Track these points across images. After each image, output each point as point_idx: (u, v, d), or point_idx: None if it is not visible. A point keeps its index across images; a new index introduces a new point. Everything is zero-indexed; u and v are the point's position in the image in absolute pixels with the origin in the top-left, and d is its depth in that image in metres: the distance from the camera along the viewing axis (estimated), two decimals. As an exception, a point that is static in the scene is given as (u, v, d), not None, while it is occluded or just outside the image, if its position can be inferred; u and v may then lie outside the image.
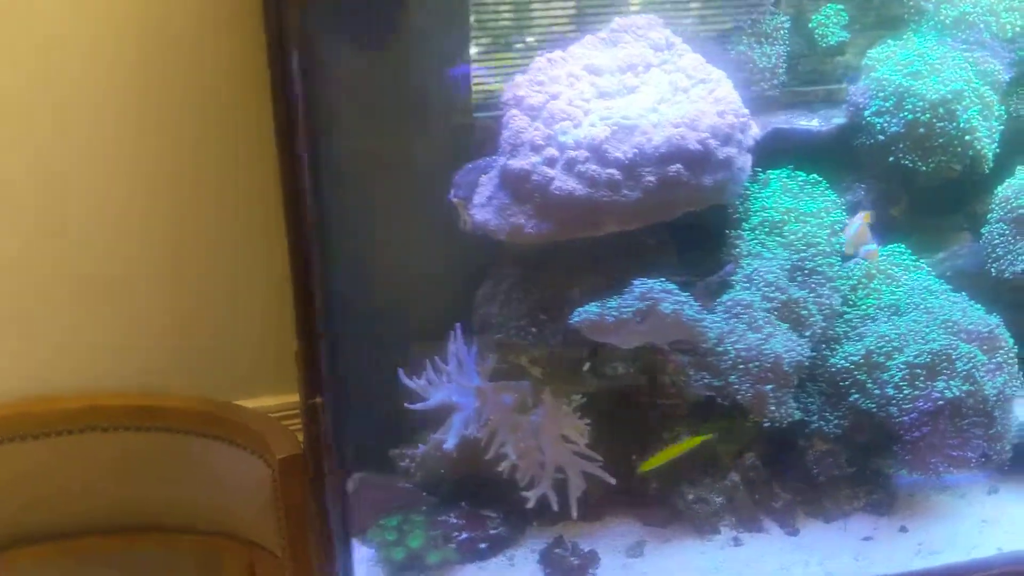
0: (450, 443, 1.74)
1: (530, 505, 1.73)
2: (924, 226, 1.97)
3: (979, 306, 1.78)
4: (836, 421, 1.68)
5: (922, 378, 1.62)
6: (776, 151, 1.80)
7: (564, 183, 1.47)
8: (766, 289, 1.57)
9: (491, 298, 1.70)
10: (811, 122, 1.81)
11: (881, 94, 1.76)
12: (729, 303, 1.55)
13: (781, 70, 1.87)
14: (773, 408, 1.51)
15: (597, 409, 1.76)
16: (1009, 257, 1.80)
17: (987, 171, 1.84)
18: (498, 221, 1.55)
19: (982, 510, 1.82)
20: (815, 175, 1.79)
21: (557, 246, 1.59)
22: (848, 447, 1.75)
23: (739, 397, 1.50)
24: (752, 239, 1.68)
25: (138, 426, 1.81)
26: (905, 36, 1.83)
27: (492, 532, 1.80)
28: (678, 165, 1.47)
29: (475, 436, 1.73)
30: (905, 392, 1.61)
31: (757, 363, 1.49)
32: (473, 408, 1.75)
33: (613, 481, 1.72)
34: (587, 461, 1.74)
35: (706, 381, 1.51)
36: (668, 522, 1.81)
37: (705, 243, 1.75)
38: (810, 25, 1.87)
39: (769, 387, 1.49)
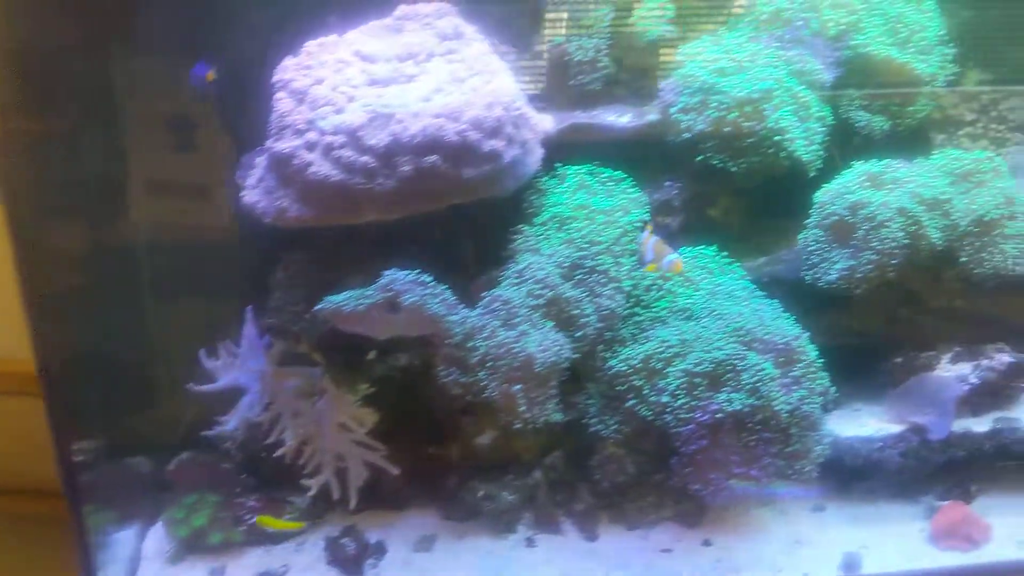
0: (231, 425, 1.74)
1: (311, 493, 1.73)
2: (760, 228, 1.92)
3: (788, 315, 1.73)
4: (616, 426, 1.64)
5: (702, 388, 1.57)
6: (586, 146, 1.76)
7: (320, 168, 1.45)
8: (534, 286, 1.53)
9: (279, 283, 1.69)
10: (621, 118, 1.76)
11: (687, 91, 1.70)
12: (488, 299, 1.52)
13: (603, 63, 1.83)
14: (524, 408, 1.47)
15: (390, 400, 1.75)
16: (824, 265, 1.74)
17: (813, 173, 1.79)
18: (265, 203, 1.53)
19: (799, 529, 1.76)
20: (619, 172, 1.75)
21: (350, 231, 1.58)
22: (641, 453, 1.71)
23: (487, 395, 1.47)
24: (538, 234, 1.64)
25: None
26: (719, 32, 1.77)
27: (287, 517, 1.80)
28: (435, 156, 1.44)
29: (258, 419, 1.74)
30: (681, 401, 1.57)
31: (507, 361, 1.45)
32: (258, 392, 1.75)
33: (396, 471, 1.72)
34: (369, 450, 1.74)
35: (454, 377, 1.48)
36: (469, 518, 1.79)
37: (502, 237, 1.72)
38: (631, 19, 1.82)
39: (518, 387, 1.46)
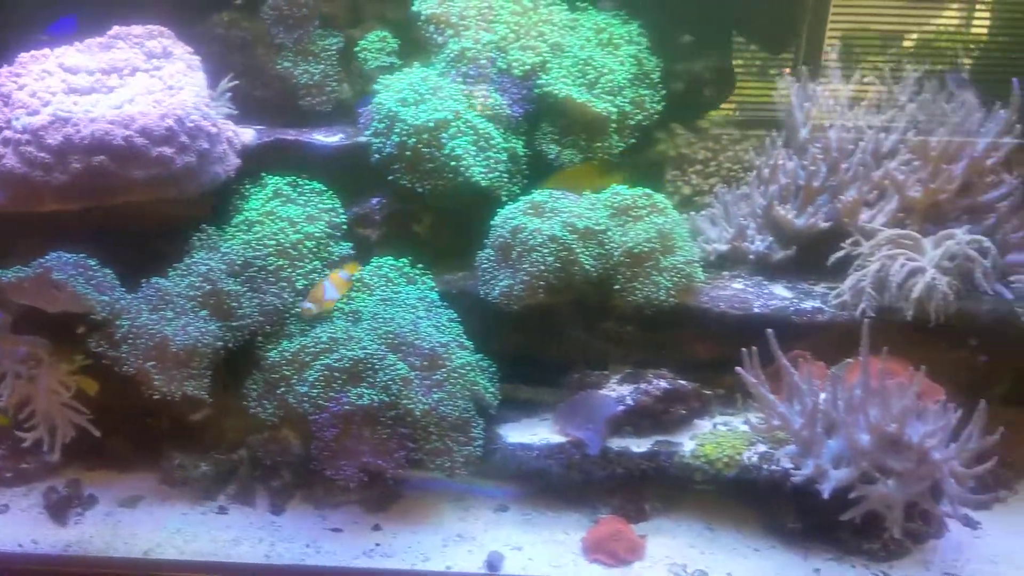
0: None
1: (25, 445, 1.96)
2: (461, 245, 2.02)
3: (454, 326, 1.88)
4: (272, 410, 1.82)
5: (339, 382, 1.74)
6: (298, 160, 1.96)
7: (9, 161, 1.69)
8: (195, 279, 1.74)
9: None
10: (330, 137, 1.95)
11: (377, 116, 1.89)
12: (146, 286, 1.73)
13: (332, 87, 2.02)
14: (159, 382, 1.68)
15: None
16: (493, 282, 1.89)
17: (505, 199, 1.94)
18: (-23, 189, 1.79)
19: (472, 526, 1.88)
20: (320, 185, 1.94)
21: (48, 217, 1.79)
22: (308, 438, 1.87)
23: (126, 368, 1.68)
24: (222, 234, 1.85)
25: None
26: (414, 65, 1.95)
27: (23, 466, 2.03)
28: (102, 156, 1.67)
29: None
30: (317, 391, 1.74)
31: (143, 340, 1.66)
32: (-9, 354, 2.00)
33: (98, 434, 1.93)
34: (76, 413, 1.97)
35: (102, 350, 1.69)
36: (180, 484, 1.99)
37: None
38: (355, 49, 2.02)
39: (152, 363, 1.66)
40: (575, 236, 1.81)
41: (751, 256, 2.04)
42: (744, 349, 1.73)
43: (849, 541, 1.77)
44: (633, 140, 2.03)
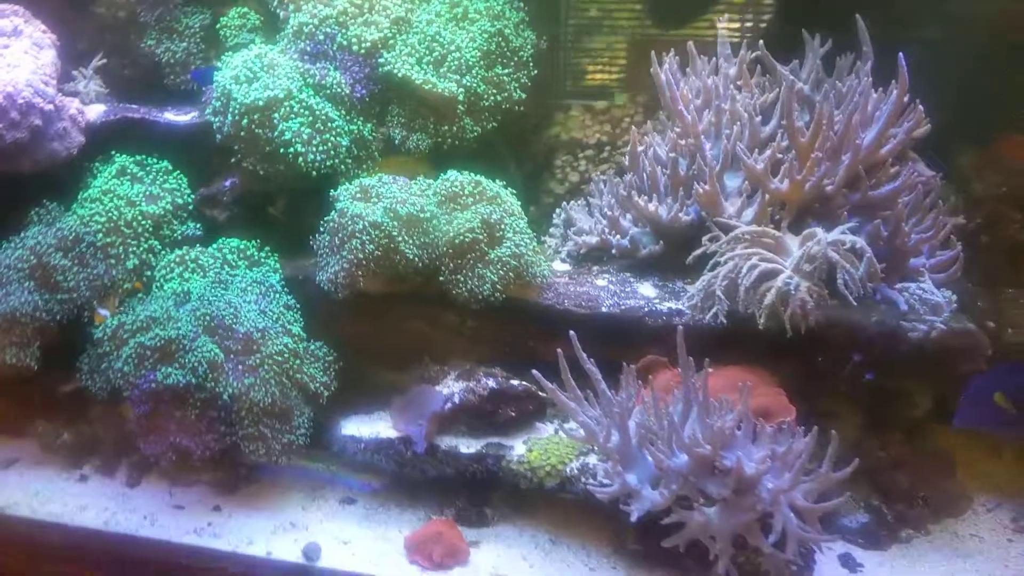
0: None
1: None
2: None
3: (283, 312, 1.83)
4: (101, 384, 1.83)
5: (150, 360, 1.73)
6: (151, 138, 1.96)
7: None
8: (22, 252, 1.77)
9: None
10: (181, 116, 1.93)
11: (216, 94, 1.85)
12: (18, 246, 1.79)
13: (196, 65, 2.01)
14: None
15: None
16: (325, 268, 1.82)
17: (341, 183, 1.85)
18: None
19: (312, 516, 1.84)
20: (167, 164, 1.93)
21: None
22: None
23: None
24: (57, 211, 1.87)
25: None
26: (255, 41, 1.89)
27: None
28: (-67, 129, 1.73)
29: None
30: (130, 369, 1.74)
31: (-35, 309, 1.72)
32: None
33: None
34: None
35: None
36: (56, 452, 2.06)
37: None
38: (216, 26, 1.99)
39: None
40: (397, 223, 1.72)
41: (613, 251, 1.88)
42: (559, 350, 1.60)
43: (693, 570, 1.60)
44: (493, 124, 1.90)
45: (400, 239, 1.71)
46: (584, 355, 1.57)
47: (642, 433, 1.59)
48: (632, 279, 1.89)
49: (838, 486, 1.53)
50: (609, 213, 1.88)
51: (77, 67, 1.98)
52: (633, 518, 1.58)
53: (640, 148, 1.82)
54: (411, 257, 1.73)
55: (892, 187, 1.70)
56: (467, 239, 1.71)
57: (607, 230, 1.90)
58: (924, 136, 1.79)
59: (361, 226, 1.72)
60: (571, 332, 1.56)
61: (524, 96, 1.94)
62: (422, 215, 1.73)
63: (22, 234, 1.82)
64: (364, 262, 1.72)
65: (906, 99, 1.66)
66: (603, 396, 1.59)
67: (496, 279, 1.72)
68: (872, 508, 1.80)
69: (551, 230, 2.02)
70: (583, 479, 1.67)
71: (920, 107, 1.71)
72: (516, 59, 1.91)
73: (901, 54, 1.59)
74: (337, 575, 1.71)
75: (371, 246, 1.71)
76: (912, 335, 1.66)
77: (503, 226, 1.72)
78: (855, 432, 1.84)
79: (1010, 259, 1.96)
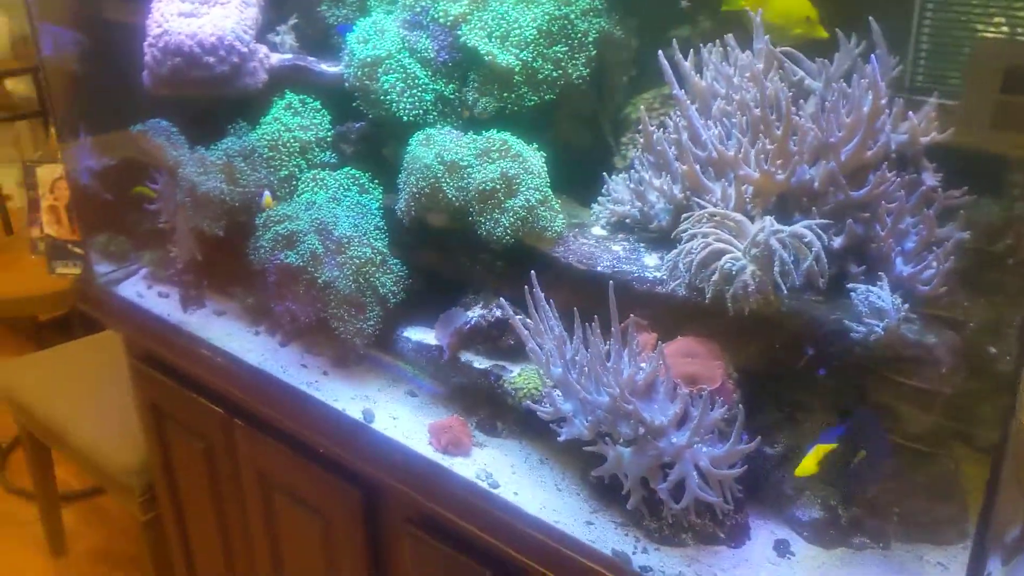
0: None
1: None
2: None
3: (372, 230, 2.39)
4: (256, 258, 2.55)
5: (280, 245, 2.41)
6: (308, 82, 2.59)
7: (147, 58, 2.64)
8: (219, 153, 2.55)
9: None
10: (333, 67, 2.52)
11: (346, 51, 2.39)
12: (194, 151, 2.61)
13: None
14: (192, 222, 2.56)
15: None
16: (399, 197, 2.31)
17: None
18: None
19: (379, 393, 2.38)
20: (318, 103, 2.54)
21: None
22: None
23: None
24: (248, 128, 2.61)
25: None
26: (378, 9, 2.39)
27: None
28: (179, 58, 2.52)
29: None
30: (265, 249, 2.44)
31: (183, 183, 2.54)
32: None
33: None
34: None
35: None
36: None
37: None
38: (368, -1, 2.51)
39: (189, 200, 2.54)
40: (443, 167, 2.15)
41: (627, 220, 2.10)
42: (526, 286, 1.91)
43: (636, 512, 1.87)
44: (551, 95, 2.19)
45: (444, 181, 2.15)
46: (540, 294, 1.89)
47: (580, 367, 1.89)
48: (644, 249, 2.11)
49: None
50: (633, 186, 2.11)
51: (277, 25, 2.67)
52: (560, 438, 1.91)
53: (652, 128, 2.01)
54: (451, 197, 2.16)
55: (865, 190, 1.70)
56: (488, 187, 2.09)
57: (635, 201, 2.13)
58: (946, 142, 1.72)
59: (418, 165, 2.18)
60: (531, 272, 1.88)
61: (585, 72, 2.20)
62: (461, 163, 2.14)
63: (222, 142, 2.60)
64: (418, 196, 2.19)
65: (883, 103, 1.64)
66: (550, 329, 1.90)
67: (508, 224, 2.08)
68: (828, 507, 1.87)
69: (599, 198, 2.25)
70: (545, 403, 2.01)
71: (932, 112, 1.65)
72: (577, 41, 2.17)
73: (873, 56, 1.57)
74: (379, 436, 2.26)
75: (423, 183, 2.18)
76: (853, 336, 1.70)
77: (519, 181, 2.07)
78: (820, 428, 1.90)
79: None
